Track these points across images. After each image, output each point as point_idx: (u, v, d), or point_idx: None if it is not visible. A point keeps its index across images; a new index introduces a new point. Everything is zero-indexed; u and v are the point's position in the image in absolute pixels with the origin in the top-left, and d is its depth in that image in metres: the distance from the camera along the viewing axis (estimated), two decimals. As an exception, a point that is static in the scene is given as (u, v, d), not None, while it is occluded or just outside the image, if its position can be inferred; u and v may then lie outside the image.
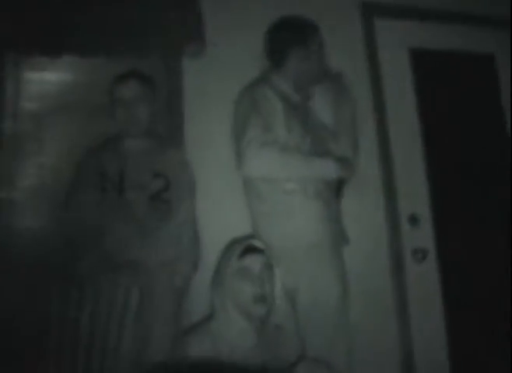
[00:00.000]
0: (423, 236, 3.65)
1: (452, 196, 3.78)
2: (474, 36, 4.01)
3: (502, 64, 4.07)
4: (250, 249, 2.58)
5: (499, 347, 3.56)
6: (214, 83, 3.46)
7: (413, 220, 3.64)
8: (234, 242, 2.70)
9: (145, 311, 2.79)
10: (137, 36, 3.33)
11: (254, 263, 2.55)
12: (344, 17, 3.77)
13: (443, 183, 3.78)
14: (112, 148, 3.11)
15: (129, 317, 2.73)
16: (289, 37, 3.18)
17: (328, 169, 3.02)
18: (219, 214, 3.30)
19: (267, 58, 3.28)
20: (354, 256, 3.17)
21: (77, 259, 2.88)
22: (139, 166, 3.03)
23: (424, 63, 3.92)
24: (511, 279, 3.66)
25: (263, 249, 2.60)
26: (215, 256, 2.80)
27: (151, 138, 3.15)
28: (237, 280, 2.53)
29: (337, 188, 3.13)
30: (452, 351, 3.53)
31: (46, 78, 3.47)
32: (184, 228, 3.04)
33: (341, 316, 2.93)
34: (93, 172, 3.02)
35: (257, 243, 2.63)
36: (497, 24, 4.03)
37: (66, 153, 3.37)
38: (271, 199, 3.00)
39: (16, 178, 3.33)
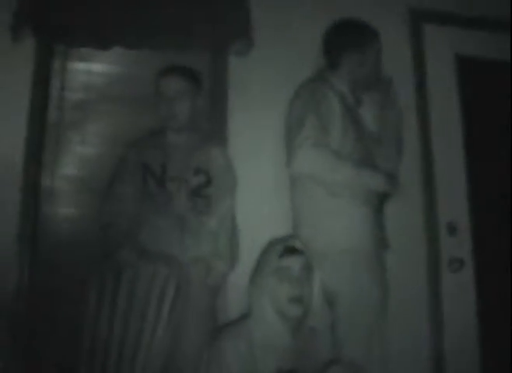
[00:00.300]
0: (461, 246, 3.59)
1: (491, 206, 3.72)
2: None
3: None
4: (290, 250, 2.56)
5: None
6: (259, 82, 3.47)
7: (451, 229, 3.60)
8: (274, 242, 2.69)
9: (180, 303, 2.76)
10: (184, 31, 3.35)
11: (293, 263, 2.54)
12: (392, 23, 3.74)
13: (483, 192, 3.72)
14: (155, 141, 3.12)
15: (165, 307, 2.72)
16: (346, 40, 3.17)
17: (376, 182, 2.98)
18: (259, 213, 3.30)
19: (323, 58, 3.26)
20: (392, 262, 3.13)
21: (115, 248, 2.88)
22: (182, 161, 3.02)
23: (471, 71, 3.88)
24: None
25: (303, 250, 2.59)
26: (253, 255, 2.78)
27: (195, 133, 3.15)
28: (275, 279, 2.53)
29: (380, 201, 3.09)
30: (484, 363, 3.47)
31: (92, 69, 3.49)
32: (222, 226, 3.02)
33: (379, 322, 2.88)
34: (136, 164, 3.03)
35: (297, 244, 2.61)
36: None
37: (109, 144, 3.40)
38: (318, 199, 2.97)
39: (59, 167, 3.36)
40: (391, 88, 3.25)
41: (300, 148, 2.84)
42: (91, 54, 3.44)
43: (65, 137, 3.40)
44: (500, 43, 3.91)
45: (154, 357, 2.68)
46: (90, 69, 3.49)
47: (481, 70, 3.91)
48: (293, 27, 3.55)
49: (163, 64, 3.16)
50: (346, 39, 3.17)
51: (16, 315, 3.02)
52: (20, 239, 3.12)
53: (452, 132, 3.76)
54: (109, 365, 2.66)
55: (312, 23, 3.47)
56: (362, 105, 3.22)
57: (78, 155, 3.41)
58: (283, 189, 3.20)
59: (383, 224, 3.11)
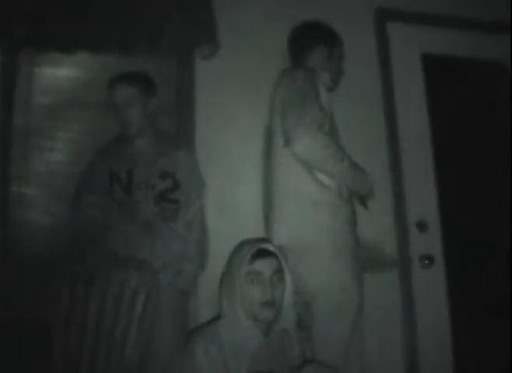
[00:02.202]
0: (431, 242, 3.57)
1: (461, 202, 3.70)
2: (485, 42, 3.94)
3: (512, 70, 4.01)
4: (262, 253, 2.50)
5: (506, 354, 3.47)
6: (226, 84, 3.42)
7: (421, 226, 3.58)
8: (245, 244, 2.62)
9: (151, 308, 2.72)
10: (150, 35, 3.27)
11: (265, 267, 2.47)
12: (357, 22, 3.72)
13: (453, 189, 3.70)
14: (121, 147, 3.06)
15: (135, 316, 2.68)
16: (316, 35, 3.18)
17: (365, 187, 2.98)
18: (229, 214, 3.24)
19: (290, 54, 3.25)
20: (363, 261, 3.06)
21: (84, 256, 2.82)
22: (147, 166, 2.97)
23: (436, 68, 3.86)
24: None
25: (275, 253, 2.53)
26: (223, 258, 2.71)
27: (160, 137, 3.10)
28: (247, 283, 2.46)
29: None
30: (457, 358, 3.45)
31: (59, 74, 3.41)
32: (191, 228, 2.97)
33: (357, 322, 2.83)
34: (102, 172, 2.97)
35: (269, 247, 2.55)
36: (509, 31, 3.96)
37: (77, 150, 3.32)
38: (305, 188, 2.88)
39: (28, 174, 3.26)
40: None
41: (309, 130, 2.74)
42: (57, 58, 3.34)
43: (34, 144, 3.31)
44: (466, 41, 3.91)
45: (127, 363, 2.64)
46: (57, 74, 3.41)
47: (447, 68, 3.89)
48: (259, 30, 3.51)
49: (129, 68, 3.11)
50: (316, 33, 3.19)
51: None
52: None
53: (420, 130, 3.73)
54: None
55: (277, 25, 3.45)
56: None
57: (47, 162, 3.31)
58: (253, 190, 3.18)
59: (356, 223, 3.04)
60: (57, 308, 2.68)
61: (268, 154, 3.11)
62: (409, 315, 3.44)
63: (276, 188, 2.99)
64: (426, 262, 3.52)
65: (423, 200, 3.64)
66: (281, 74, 3.11)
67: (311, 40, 3.18)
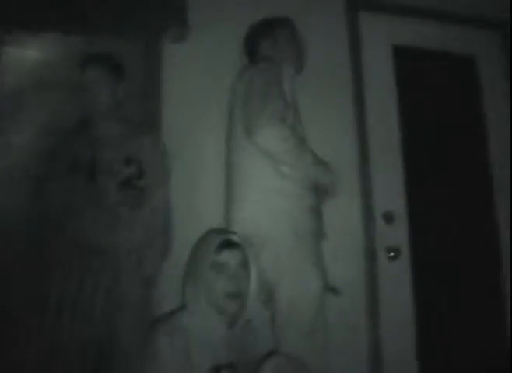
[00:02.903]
0: (397, 234, 3.56)
1: (427, 194, 3.71)
2: (456, 36, 3.94)
3: (482, 65, 4.00)
4: (228, 244, 2.46)
5: (468, 347, 3.53)
6: (194, 68, 3.36)
7: (388, 218, 3.55)
8: (210, 234, 2.58)
9: (113, 298, 2.69)
10: (118, 15, 3.17)
11: (230, 258, 2.43)
12: (328, 11, 3.67)
13: (419, 181, 3.70)
14: (85, 132, 2.96)
15: (97, 305, 2.63)
16: (259, 30, 3.22)
17: (326, 179, 2.93)
18: (194, 202, 3.19)
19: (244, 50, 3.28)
20: (328, 251, 3.03)
21: (47, 243, 2.76)
22: (112, 151, 2.89)
23: (407, 60, 3.83)
24: (484, 279, 3.65)
25: (240, 244, 2.48)
26: (187, 247, 2.69)
27: (125, 123, 3.01)
28: (212, 274, 2.41)
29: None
30: (420, 350, 3.46)
31: (25, 55, 3.28)
32: (156, 216, 2.91)
33: (319, 313, 2.81)
34: (65, 157, 2.88)
35: (234, 238, 2.50)
36: (480, 25, 3.98)
37: (42, 133, 3.17)
38: (266, 177, 2.85)
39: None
40: None
41: (270, 121, 2.73)
42: (23, 39, 3.25)
43: None
44: (437, 34, 3.89)
45: (88, 353, 2.61)
46: (23, 56, 3.28)
47: (417, 59, 3.88)
48: (229, 13, 3.44)
49: (96, 50, 3.04)
50: (259, 28, 3.23)
51: None
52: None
53: (388, 121, 3.71)
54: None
55: (248, 9, 3.40)
56: None
57: (11, 145, 3.18)
58: (219, 178, 3.10)
59: (320, 214, 3.01)
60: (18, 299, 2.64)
61: (229, 144, 3.08)
62: (374, 306, 3.43)
63: (237, 177, 2.97)
64: (392, 254, 3.50)
65: (390, 191, 3.62)
66: (242, 68, 3.12)
67: (255, 38, 3.22)
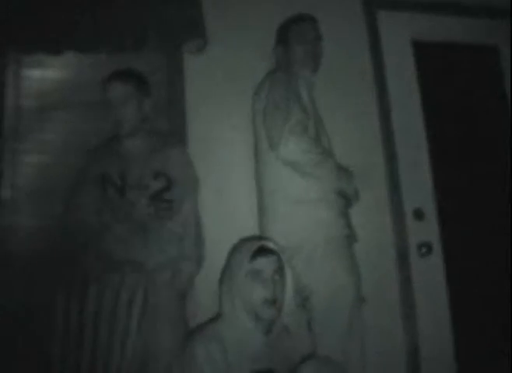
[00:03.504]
0: (428, 230, 3.52)
1: (457, 189, 3.66)
2: (477, 27, 3.89)
3: (505, 55, 3.95)
4: (263, 251, 2.45)
5: (504, 342, 3.46)
6: (216, 79, 3.37)
7: (418, 214, 3.53)
8: (244, 242, 2.58)
9: (149, 312, 2.67)
10: (137, 32, 3.21)
11: (266, 265, 2.43)
12: (347, 9, 3.68)
13: (448, 176, 3.65)
14: (113, 148, 2.99)
15: (133, 319, 2.62)
16: (287, 26, 3.20)
17: (349, 183, 2.95)
18: (223, 212, 3.20)
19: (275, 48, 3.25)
20: (360, 252, 3.03)
21: (79, 259, 2.77)
22: (140, 166, 2.90)
23: (427, 54, 3.80)
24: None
25: (275, 251, 2.48)
26: (220, 256, 2.68)
27: (152, 137, 3.02)
28: (248, 282, 2.41)
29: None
30: (458, 346, 3.42)
31: (47, 76, 3.34)
32: (186, 227, 2.90)
33: (355, 316, 2.80)
34: (94, 174, 2.90)
35: (269, 244, 2.50)
36: (500, 15, 3.92)
37: (67, 152, 3.23)
38: (294, 188, 2.88)
39: (17, 176, 3.19)
40: None
41: (292, 133, 2.76)
42: (44, 60, 3.27)
43: (22, 146, 3.23)
44: (456, 27, 3.86)
45: (126, 367, 2.58)
46: (44, 76, 3.33)
47: (439, 53, 3.84)
48: (248, 24, 3.47)
49: (118, 67, 3.03)
50: (287, 24, 3.22)
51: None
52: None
53: (413, 117, 3.68)
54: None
55: (267, 19, 3.40)
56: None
57: (36, 165, 3.24)
58: (247, 186, 3.12)
59: (349, 218, 3.01)
60: (53, 318, 2.61)
61: (256, 155, 3.10)
62: (409, 304, 3.40)
63: (266, 188, 3.00)
64: (424, 250, 3.48)
65: (419, 188, 3.59)
66: (263, 79, 3.10)
67: (285, 30, 3.21)
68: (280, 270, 2.47)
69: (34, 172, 3.23)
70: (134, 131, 2.96)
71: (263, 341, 2.43)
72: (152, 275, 2.75)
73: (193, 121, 3.29)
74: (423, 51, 3.80)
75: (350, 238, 2.95)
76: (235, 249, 2.59)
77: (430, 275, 3.49)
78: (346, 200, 2.98)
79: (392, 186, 3.54)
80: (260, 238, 2.67)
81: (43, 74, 3.34)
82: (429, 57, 3.81)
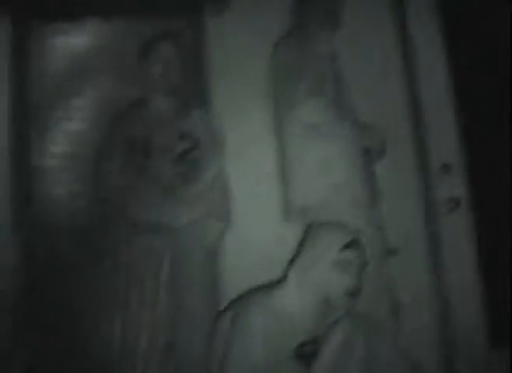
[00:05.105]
0: (456, 185, 3.47)
1: (484, 144, 3.58)
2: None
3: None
4: (354, 243, 2.47)
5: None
6: (237, 42, 3.32)
7: (445, 168, 3.49)
8: (333, 230, 2.56)
9: (178, 278, 2.73)
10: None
11: (355, 258, 2.46)
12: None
13: (475, 131, 3.55)
14: (137, 112, 3.02)
15: (163, 282, 2.67)
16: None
17: (373, 138, 2.96)
18: (249, 175, 3.16)
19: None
20: (387, 208, 3.04)
21: (107, 224, 2.83)
22: (165, 128, 2.94)
23: (455, 7, 3.67)
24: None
25: (363, 245, 2.51)
26: (246, 215, 2.73)
27: (177, 98, 3.05)
28: (334, 270, 2.43)
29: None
30: (487, 300, 3.36)
31: (71, 44, 3.32)
32: (213, 187, 2.94)
33: (380, 272, 2.83)
34: (120, 139, 2.94)
35: (360, 238, 2.52)
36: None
37: (94, 119, 3.23)
38: (315, 151, 2.87)
39: (47, 145, 3.20)
40: None
41: (309, 95, 2.76)
42: (68, 27, 3.29)
43: (50, 116, 3.24)
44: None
45: (159, 331, 2.66)
46: (68, 44, 3.32)
47: (465, 6, 3.72)
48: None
49: (139, 34, 3.11)
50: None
51: (14, 298, 2.91)
52: (14, 221, 3.01)
53: (440, 72, 3.57)
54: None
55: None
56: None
57: (65, 132, 3.24)
58: (272, 149, 3.10)
59: (374, 176, 3.01)
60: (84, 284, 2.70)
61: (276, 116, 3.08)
62: (437, 262, 3.37)
63: (289, 150, 2.98)
64: (452, 205, 3.45)
65: (446, 142, 3.53)
66: (276, 44, 3.09)
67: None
68: (365, 264, 2.49)
69: (63, 141, 3.24)
70: (173, 89, 3.02)
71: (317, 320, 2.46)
72: (181, 236, 2.79)
73: (216, 83, 3.27)
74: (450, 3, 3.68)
75: (375, 197, 2.93)
76: (322, 235, 2.57)
77: (458, 230, 3.45)
78: (371, 156, 2.95)
79: (418, 141, 3.48)
80: (350, 229, 2.61)
81: (68, 41, 3.33)
82: (457, 10, 3.69)
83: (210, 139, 3.00)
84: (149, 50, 3.01)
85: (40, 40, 3.28)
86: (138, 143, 2.91)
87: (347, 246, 2.44)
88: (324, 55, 2.93)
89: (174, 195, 2.85)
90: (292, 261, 2.57)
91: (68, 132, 3.24)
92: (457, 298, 3.33)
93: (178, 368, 2.71)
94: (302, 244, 2.59)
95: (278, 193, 3.00)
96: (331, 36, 3.06)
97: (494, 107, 3.61)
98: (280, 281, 2.54)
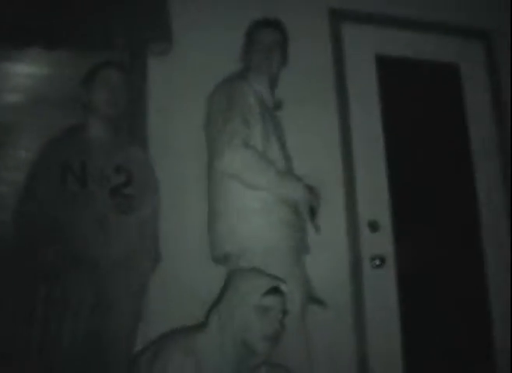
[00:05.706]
0: (383, 243, 3.54)
1: (413, 203, 3.69)
2: (439, 45, 3.95)
3: (466, 73, 4.01)
4: (275, 290, 2.44)
5: (454, 355, 3.51)
6: (179, 82, 3.35)
7: (373, 226, 3.54)
8: (257, 276, 2.53)
9: (103, 311, 2.65)
10: (102, 31, 3.19)
11: (276, 304, 2.42)
12: (312, 22, 3.68)
13: (404, 189, 3.69)
14: (75, 138, 2.92)
15: (81, 321, 2.60)
16: (249, 31, 3.21)
17: (298, 194, 2.85)
18: (181, 213, 3.19)
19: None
20: (313, 262, 3.00)
21: (39, 254, 2.69)
22: (102, 158, 2.85)
23: (390, 70, 3.84)
24: (468, 287, 3.64)
25: (284, 293, 2.47)
26: (176, 257, 2.71)
27: (115, 132, 3.00)
28: (253, 315, 2.38)
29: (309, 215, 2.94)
30: (407, 358, 3.43)
31: (15, 71, 3.32)
32: (146, 225, 2.88)
33: (301, 323, 2.77)
34: (55, 164, 2.81)
35: (282, 286, 2.47)
36: (462, 34, 4.03)
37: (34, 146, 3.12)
38: (241, 195, 2.83)
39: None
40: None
41: (229, 145, 2.71)
42: (11, 54, 3.26)
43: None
44: (420, 43, 3.91)
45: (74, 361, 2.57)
46: (14, 71, 3.32)
47: (401, 68, 3.89)
48: (213, 27, 3.45)
49: (84, 64, 3.02)
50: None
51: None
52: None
53: (373, 131, 3.71)
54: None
55: (232, 24, 3.40)
56: (282, 108, 3.15)
57: (13, 159, 3.22)
58: (204, 188, 3.05)
59: (302, 227, 2.97)
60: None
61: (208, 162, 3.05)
62: (360, 315, 3.41)
63: (216, 194, 2.94)
64: (378, 262, 3.49)
65: (375, 200, 3.61)
66: (215, 87, 3.06)
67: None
68: (284, 312, 2.46)
69: (12, 167, 3.23)
70: (116, 117, 2.97)
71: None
72: (109, 271, 2.71)
73: (153, 121, 3.28)
74: (386, 66, 3.83)
75: (301, 247, 2.92)
76: (245, 279, 2.53)
77: (382, 287, 3.50)
78: (296, 209, 2.93)
79: (348, 198, 3.55)
80: (274, 276, 2.55)
81: (13, 68, 3.32)
82: (392, 73, 3.84)
83: (145, 177, 2.95)
84: (95, 75, 2.94)
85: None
86: (73, 169, 2.80)
87: (269, 292, 2.42)
88: (254, 102, 2.91)
89: (106, 228, 2.75)
90: (215, 304, 2.53)
91: (17, 159, 3.22)
92: (376, 355, 3.37)
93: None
94: (226, 287, 2.56)
95: (205, 235, 2.98)
96: (267, 83, 3.08)
97: (422, 166, 3.74)
98: (203, 323, 2.49)
